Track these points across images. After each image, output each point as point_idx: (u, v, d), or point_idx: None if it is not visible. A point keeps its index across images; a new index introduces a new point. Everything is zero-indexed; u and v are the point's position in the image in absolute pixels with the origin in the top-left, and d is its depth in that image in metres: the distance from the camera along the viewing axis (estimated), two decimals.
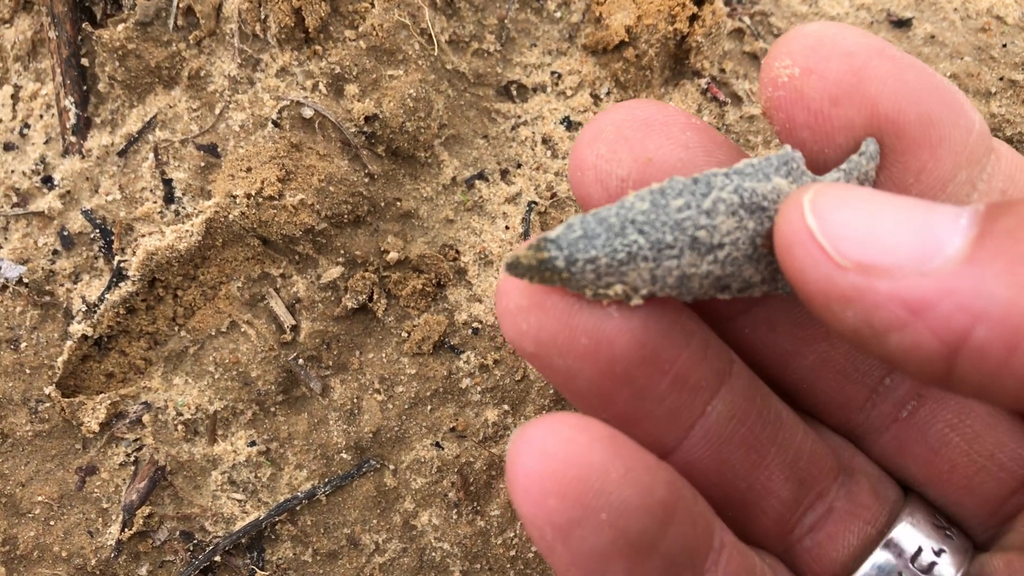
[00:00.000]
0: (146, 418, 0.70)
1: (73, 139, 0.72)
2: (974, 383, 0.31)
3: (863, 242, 0.32)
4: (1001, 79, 0.77)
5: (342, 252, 0.70)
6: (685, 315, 0.41)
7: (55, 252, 0.71)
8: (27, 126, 0.74)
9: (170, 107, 0.71)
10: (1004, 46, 0.78)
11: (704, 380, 0.42)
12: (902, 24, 0.80)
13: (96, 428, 0.69)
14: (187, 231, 0.68)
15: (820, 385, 0.46)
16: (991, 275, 0.30)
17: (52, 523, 0.69)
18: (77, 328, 0.69)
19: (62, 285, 0.71)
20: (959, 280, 0.30)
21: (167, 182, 0.70)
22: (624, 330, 0.38)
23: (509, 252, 0.37)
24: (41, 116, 0.74)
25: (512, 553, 0.71)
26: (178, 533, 0.70)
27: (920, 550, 0.46)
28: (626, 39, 0.72)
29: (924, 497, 0.48)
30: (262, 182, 0.67)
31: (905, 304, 0.31)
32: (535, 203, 0.73)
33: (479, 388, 0.71)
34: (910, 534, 0.46)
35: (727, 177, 0.37)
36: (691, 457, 0.43)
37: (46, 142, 0.73)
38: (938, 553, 0.46)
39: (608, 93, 0.75)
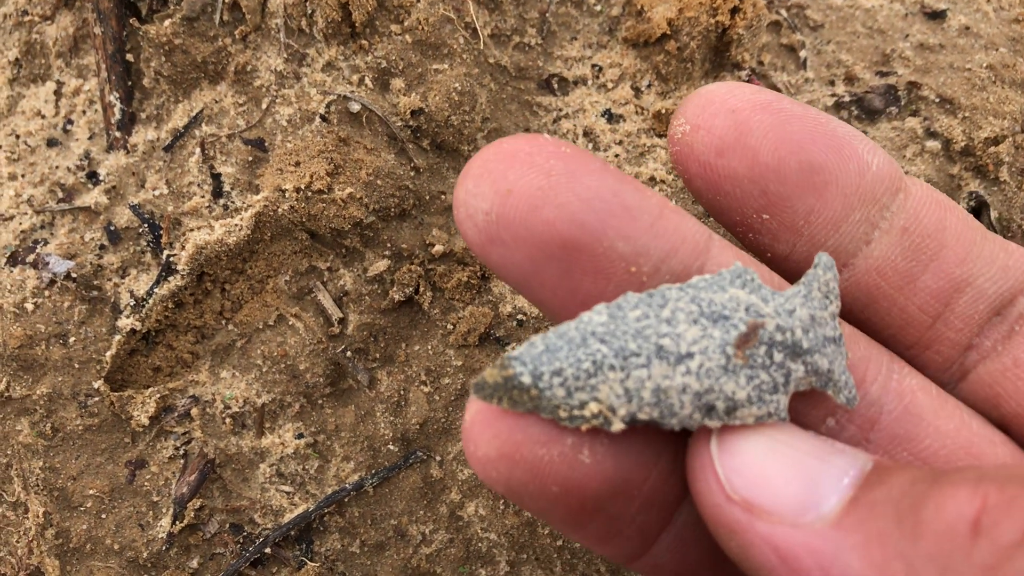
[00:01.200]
0: (194, 411, 0.71)
1: (118, 134, 0.72)
2: None
3: (753, 482, 0.35)
4: None
5: (388, 245, 0.71)
6: (656, 430, 0.42)
7: (102, 247, 0.71)
8: (70, 122, 0.74)
9: (216, 102, 0.71)
10: None
11: (672, 492, 0.43)
12: (936, 16, 0.81)
13: (145, 422, 0.70)
14: (236, 225, 0.68)
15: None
16: (849, 546, 0.33)
17: (103, 516, 0.69)
18: (125, 322, 0.70)
19: (109, 280, 0.71)
20: (823, 542, 0.33)
21: (215, 176, 0.70)
22: (595, 474, 0.39)
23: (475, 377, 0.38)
24: (84, 112, 0.74)
25: (559, 543, 0.72)
26: (228, 526, 0.71)
27: None
28: (668, 32, 0.73)
29: None
30: (311, 176, 0.67)
31: (775, 550, 0.34)
32: None
33: None
34: None
35: (681, 290, 0.38)
36: (659, 561, 0.45)
37: (90, 138, 0.73)
38: None
39: (649, 86, 0.76)
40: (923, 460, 0.47)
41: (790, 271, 0.49)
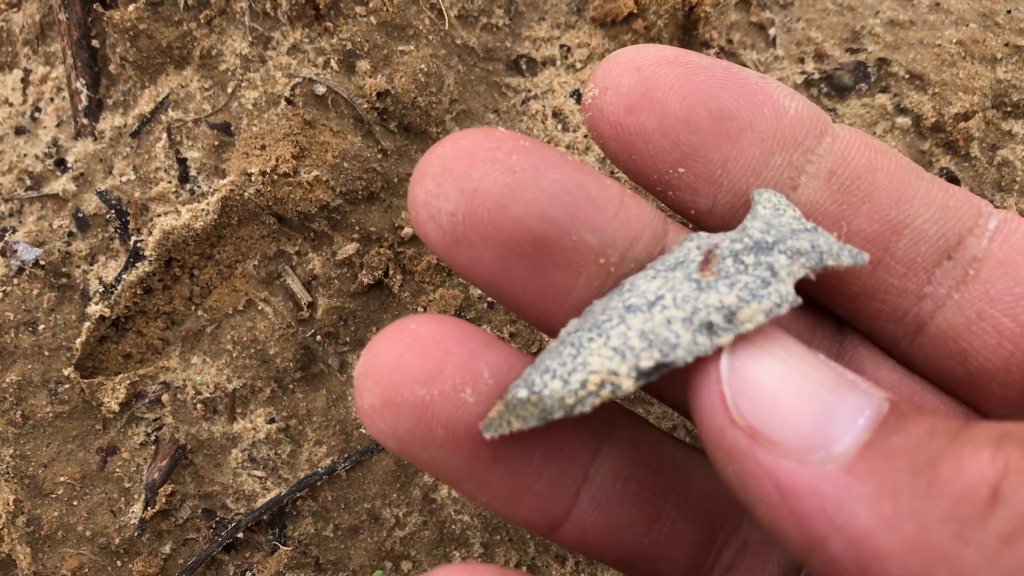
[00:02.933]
0: (165, 398, 0.71)
1: (85, 121, 0.72)
2: None
3: (762, 408, 0.33)
4: (1007, 45, 0.78)
5: (357, 228, 0.71)
6: None
7: (70, 234, 0.71)
8: (38, 110, 0.74)
9: (182, 87, 0.71)
10: (1009, 12, 0.79)
11: (581, 444, 0.41)
12: None
13: (116, 408, 0.70)
14: (203, 210, 0.68)
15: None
16: (859, 495, 0.30)
17: (75, 503, 0.69)
18: (94, 309, 0.70)
19: (78, 267, 0.71)
20: (830, 486, 0.31)
21: (182, 161, 0.70)
22: (480, 413, 0.38)
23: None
24: (52, 99, 0.74)
25: None
26: (200, 511, 0.71)
27: None
28: (635, 10, 0.72)
29: None
30: (276, 159, 0.67)
31: (777, 485, 0.31)
32: None
33: None
34: None
35: (639, 273, 0.38)
36: (584, 524, 0.42)
37: (58, 125, 0.73)
38: None
39: None
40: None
41: (715, 227, 0.47)
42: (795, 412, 0.32)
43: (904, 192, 0.45)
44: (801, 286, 0.44)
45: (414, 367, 0.37)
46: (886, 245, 0.45)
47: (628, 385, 0.34)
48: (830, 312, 0.49)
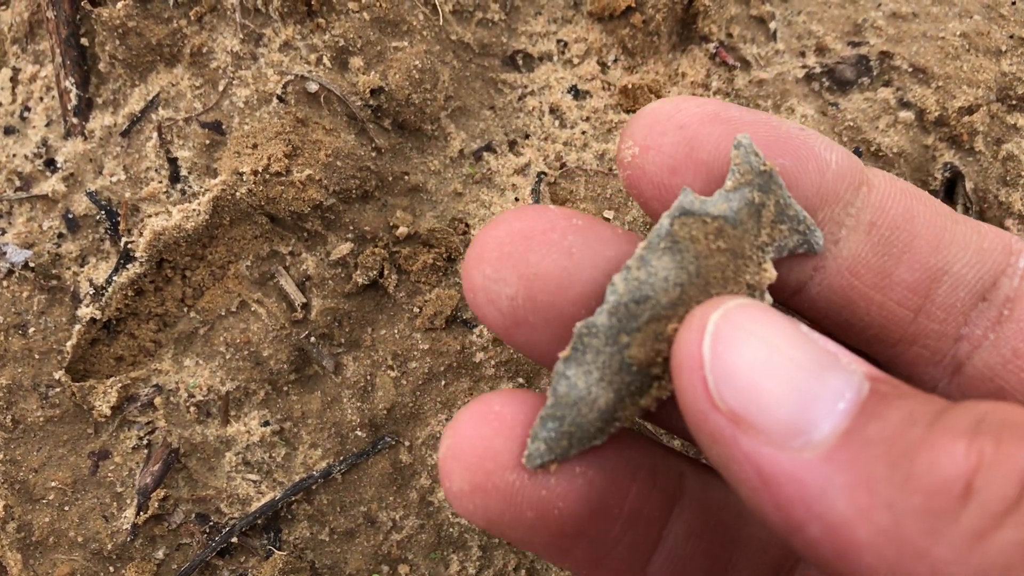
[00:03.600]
0: (158, 401, 0.70)
1: (75, 121, 0.71)
2: (811, 561, 0.32)
3: (743, 393, 0.33)
4: (1011, 37, 0.76)
5: (351, 228, 0.70)
6: (629, 445, 0.41)
7: (60, 235, 0.70)
8: (27, 109, 0.73)
9: (173, 85, 0.70)
10: (1013, 3, 0.78)
11: (657, 508, 0.42)
12: None
13: (108, 412, 0.69)
14: (194, 210, 0.67)
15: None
16: (837, 485, 0.31)
17: (67, 508, 0.68)
18: (85, 311, 0.69)
19: (69, 268, 0.70)
20: (809, 473, 0.31)
21: (172, 161, 0.69)
22: (567, 494, 0.38)
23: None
24: (41, 99, 0.73)
25: None
26: (194, 515, 0.70)
27: None
28: (632, 4, 0.71)
29: None
30: (269, 158, 0.66)
31: (759, 471, 0.32)
32: (544, 174, 0.72)
33: (493, 362, 0.71)
34: None
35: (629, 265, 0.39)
36: None
37: (47, 124, 0.72)
38: None
39: (615, 60, 0.74)
40: None
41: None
42: (776, 397, 0.33)
43: (942, 238, 0.46)
44: (839, 335, 0.47)
45: (504, 453, 0.38)
46: (927, 292, 0.46)
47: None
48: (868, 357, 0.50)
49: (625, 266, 0.38)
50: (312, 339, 0.70)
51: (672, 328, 0.37)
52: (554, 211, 0.44)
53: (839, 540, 0.30)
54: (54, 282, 0.69)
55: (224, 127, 0.69)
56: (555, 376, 0.38)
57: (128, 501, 0.69)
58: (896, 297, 0.47)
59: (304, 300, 0.70)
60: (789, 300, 0.53)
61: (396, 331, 0.71)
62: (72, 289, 0.70)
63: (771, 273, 0.39)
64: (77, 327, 0.69)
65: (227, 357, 0.70)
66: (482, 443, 0.38)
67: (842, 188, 0.46)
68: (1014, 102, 0.75)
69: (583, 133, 0.72)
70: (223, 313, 0.70)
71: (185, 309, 0.71)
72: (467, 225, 0.71)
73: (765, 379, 0.33)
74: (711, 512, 0.44)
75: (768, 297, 0.39)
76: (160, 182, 0.69)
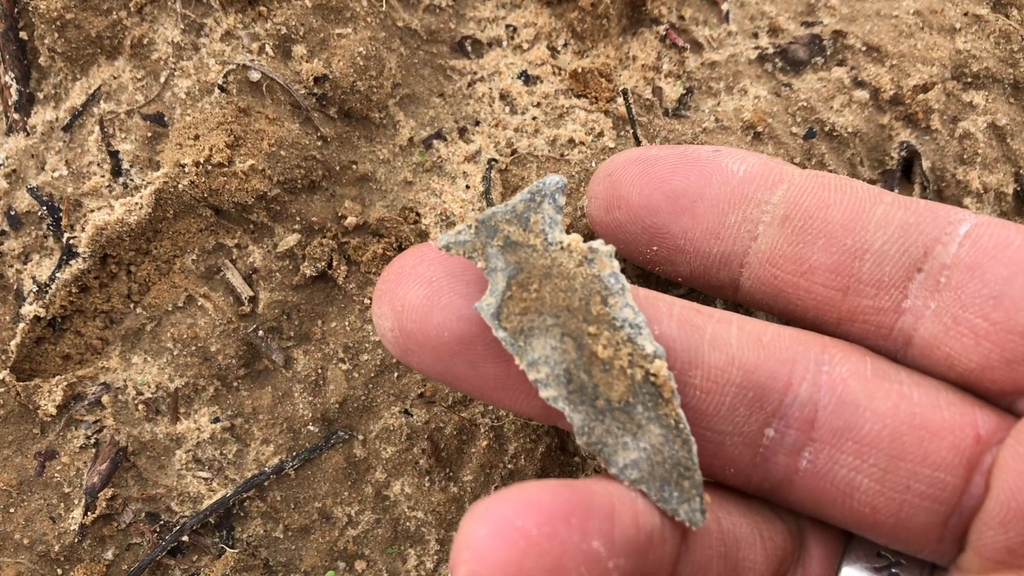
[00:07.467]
0: (105, 399, 0.68)
1: (16, 116, 0.70)
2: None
3: None
4: (966, 14, 0.76)
5: (298, 219, 0.69)
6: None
7: (2, 232, 0.69)
8: None
9: (114, 78, 0.69)
10: None
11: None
12: None
13: (54, 411, 0.67)
14: (136, 204, 0.66)
15: (703, 449, 0.49)
16: None
17: (12, 510, 0.67)
18: (29, 310, 0.67)
19: (11, 266, 0.68)
20: None
21: (114, 154, 0.68)
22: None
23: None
24: None
25: None
26: (143, 514, 0.69)
27: None
28: None
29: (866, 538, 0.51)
30: (210, 149, 0.65)
31: None
32: (495, 160, 0.71)
33: None
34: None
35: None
36: None
37: None
38: None
39: (565, 45, 0.73)
40: (869, 446, 0.46)
41: (702, 289, 0.55)
42: None
43: (858, 220, 0.50)
44: (789, 322, 0.54)
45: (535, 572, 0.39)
46: (850, 272, 0.50)
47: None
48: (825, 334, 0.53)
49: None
50: (261, 333, 0.69)
51: None
52: (428, 247, 0.50)
53: None
54: None
55: (166, 119, 0.68)
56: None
57: (76, 501, 0.68)
58: (819, 280, 0.51)
59: (251, 293, 0.68)
60: (731, 298, 0.56)
61: (347, 323, 0.70)
62: (15, 287, 0.68)
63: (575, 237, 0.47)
64: (21, 325, 0.67)
65: (175, 353, 0.69)
66: (514, 569, 0.39)
67: (752, 190, 0.52)
68: (969, 80, 0.74)
69: (534, 119, 0.71)
70: (170, 308, 0.69)
71: (131, 305, 0.69)
72: (418, 214, 0.70)
73: None
74: (715, 547, 0.48)
75: None
76: (102, 176, 0.68)
